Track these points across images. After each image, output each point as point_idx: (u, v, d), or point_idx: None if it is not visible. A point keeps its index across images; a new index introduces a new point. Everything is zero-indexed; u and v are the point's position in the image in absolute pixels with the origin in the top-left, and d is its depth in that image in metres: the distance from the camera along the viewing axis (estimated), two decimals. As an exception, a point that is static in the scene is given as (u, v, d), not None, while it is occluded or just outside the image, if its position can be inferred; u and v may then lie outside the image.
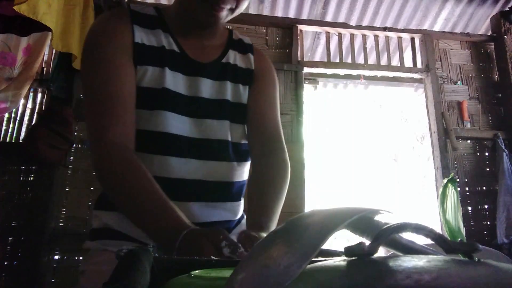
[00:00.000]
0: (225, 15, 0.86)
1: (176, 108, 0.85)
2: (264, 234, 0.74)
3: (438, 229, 2.39)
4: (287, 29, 3.12)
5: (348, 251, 0.28)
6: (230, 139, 0.91)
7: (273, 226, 0.82)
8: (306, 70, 3.10)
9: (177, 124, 0.85)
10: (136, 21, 0.86)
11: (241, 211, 0.96)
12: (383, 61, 3.32)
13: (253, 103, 0.97)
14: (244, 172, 0.95)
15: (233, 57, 0.97)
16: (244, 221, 0.97)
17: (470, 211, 2.98)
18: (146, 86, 0.83)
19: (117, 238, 0.81)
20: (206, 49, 0.93)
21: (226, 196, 0.90)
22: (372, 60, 3.34)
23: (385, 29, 3.26)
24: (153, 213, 0.69)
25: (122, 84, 0.80)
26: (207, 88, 0.90)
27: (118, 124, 0.77)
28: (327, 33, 3.22)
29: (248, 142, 0.97)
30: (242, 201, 0.96)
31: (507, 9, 3.35)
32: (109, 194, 0.78)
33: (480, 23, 3.56)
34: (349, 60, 3.22)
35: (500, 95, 3.29)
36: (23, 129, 2.72)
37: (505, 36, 3.28)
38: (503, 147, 3.02)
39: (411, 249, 0.40)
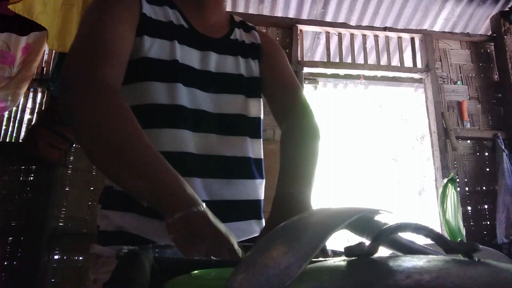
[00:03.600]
0: None
1: (188, 81, 0.83)
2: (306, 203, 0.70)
3: (438, 229, 2.39)
4: (287, 29, 3.13)
5: (348, 251, 0.28)
6: (246, 114, 0.90)
7: (310, 194, 0.75)
8: (306, 70, 3.10)
9: (191, 97, 0.83)
10: None
11: (261, 192, 0.91)
12: (383, 61, 3.32)
13: (270, 74, 0.97)
14: (259, 149, 0.93)
15: (239, 34, 0.98)
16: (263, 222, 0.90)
17: (470, 211, 2.98)
18: (155, 57, 0.81)
19: (133, 243, 0.67)
20: (214, 26, 0.93)
21: (245, 172, 0.87)
22: (372, 60, 3.34)
23: (385, 29, 3.26)
24: (152, 179, 0.61)
25: (119, 35, 0.75)
26: (219, 63, 0.90)
27: (110, 66, 0.70)
28: (327, 33, 3.22)
29: (272, 111, 0.97)
30: (262, 181, 0.91)
31: (507, 9, 3.35)
32: (94, 143, 0.64)
33: (480, 23, 3.56)
34: (349, 60, 3.22)
35: (500, 95, 3.29)
36: (23, 129, 2.72)
37: (505, 36, 3.28)
38: (503, 147, 3.02)
39: (411, 249, 0.40)
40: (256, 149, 0.91)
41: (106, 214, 0.79)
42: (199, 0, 0.91)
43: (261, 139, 0.94)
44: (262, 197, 0.91)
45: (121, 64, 0.74)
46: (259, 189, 0.90)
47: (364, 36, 3.27)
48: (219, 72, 0.89)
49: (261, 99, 0.97)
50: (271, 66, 0.98)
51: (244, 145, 0.88)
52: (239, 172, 0.86)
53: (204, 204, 0.60)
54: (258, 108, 0.94)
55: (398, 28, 3.35)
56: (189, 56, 0.85)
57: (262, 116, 0.96)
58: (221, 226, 0.59)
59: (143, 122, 0.69)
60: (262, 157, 0.94)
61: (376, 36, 3.27)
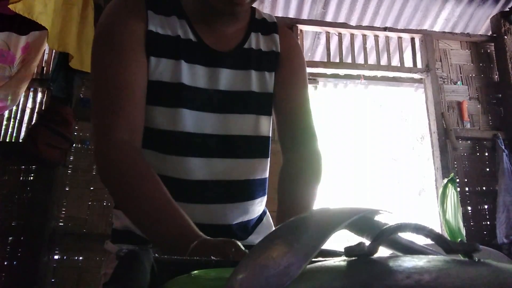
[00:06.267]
0: (247, 3, 0.78)
1: (194, 104, 0.79)
2: None
3: (438, 229, 2.39)
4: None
5: (348, 251, 0.28)
6: (256, 134, 0.85)
7: None
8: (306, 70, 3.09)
9: (196, 121, 0.79)
10: (151, 6, 0.79)
11: (263, 207, 0.91)
12: (383, 61, 3.32)
13: (281, 89, 0.89)
14: (266, 167, 0.89)
15: (256, 40, 0.88)
16: (266, 218, 0.92)
17: (470, 211, 2.98)
18: (159, 80, 0.77)
19: (138, 243, 0.75)
20: (226, 35, 0.85)
21: (248, 195, 0.85)
22: (372, 60, 3.34)
23: (385, 29, 3.26)
24: (161, 222, 0.64)
25: (132, 76, 0.74)
26: (229, 79, 0.83)
27: (126, 121, 0.72)
28: (327, 33, 3.22)
29: (278, 132, 0.91)
30: (265, 197, 0.90)
31: (507, 9, 3.35)
32: (113, 197, 0.75)
33: (480, 23, 3.56)
34: (349, 60, 3.22)
35: (500, 95, 3.29)
36: (23, 129, 2.72)
37: (505, 36, 3.28)
38: (503, 147, 3.02)
39: (411, 249, 0.40)
40: (263, 169, 0.88)
41: (117, 214, 0.84)
42: (211, 15, 0.83)
43: (269, 158, 0.90)
44: (259, 214, 0.90)
45: (139, 109, 0.74)
46: (260, 208, 0.90)
47: (364, 36, 3.27)
48: (228, 90, 0.83)
49: (271, 116, 0.91)
50: (285, 81, 0.90)
51: (253, 168, 0.85)
52: (247, 195, 0.85)
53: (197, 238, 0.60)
54: (268, 126, 0.89)
55: (398, 28, 3.35)
56: (195, 76, 0.80)
57: (270, 134, 0.91)
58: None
59: (147, 144, 0.76)
60: (267, 176, 0.91)
61: (376, 36, 3.27)
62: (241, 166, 0.83)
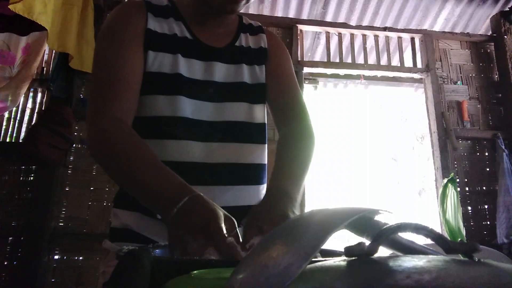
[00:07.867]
0: (243, 3, 0.88)
1: (192, 93, 0.86)
2: (290, 200, 0.71)
3: (438, 229, 2.39)
4: (287, 29, 3.12)
5: (348, 251, 0.28)
6: (250, 121, 0.92)
7: (298, 190, 0.78)
8: (306, 70, 3.09)
9: (194, 108, 0.86)
10: (150, 9, 0.89)
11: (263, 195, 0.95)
12: (383, 61, 3.32)
13: (271, 78, 0.98)
14: (263, 154, 0.95)
15: (245, 39, 0.99)
16: None
17: (470, 211, 2.98)
18: (157, 71, 0.85)
19: (137, 241, 0.78)
20: (219, 35, 0.95)
21: (249, 179, 0.90)
22: (372, 60, 3.34)
23: (385, 29, 3.26)
24: (153, 177, 0.68)
25: (128, 65, 0.81)
26: (223, 72, 0.92)
27: (119, 102, 0.78)
28: (327, 33, 3.22)
29: (272, 115, 0.99)
30: (265, 185, 0.95)
31: (507, 9, 3.35)
32: (105, 166, 0.77)
33: (480, 23, 3.56)
34: (349, 60, 3.22)
35: (500, 95, 3.29)
36: (23, 129, 2.72)
37: (505, 36, 3.28)
38: (503, 147, 3.02)
39: (411, 249, 0.40)
40: (260, 154, 0.93)
41: (116, 212, 0.87)
42: (207, 15, 0.92)
43: (266, 145, 0.96)
44: None
45: (132, 93, 0.81)
46: (263, 194, 0.92)
47: (364, 36, 3.27)
48: (222, 82, 0.91)
49: (265, 104, 0.99)
50: (274, 70, 0.99)
51: (248, 152, 0.91)
52: (243, 178, 0.89)
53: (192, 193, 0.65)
54: (262, 114, 0.96)
55: (398, 28, 3.35)
56: (192, 68, 0.88)
57: (266, 121, 0.98)
58: (217, 209, 0.62)
59: (148, 133, 0.81)
60: (266, 162, 0.96)
61: (376, 36, 3.27)
62: (237, 150, 0.89)
